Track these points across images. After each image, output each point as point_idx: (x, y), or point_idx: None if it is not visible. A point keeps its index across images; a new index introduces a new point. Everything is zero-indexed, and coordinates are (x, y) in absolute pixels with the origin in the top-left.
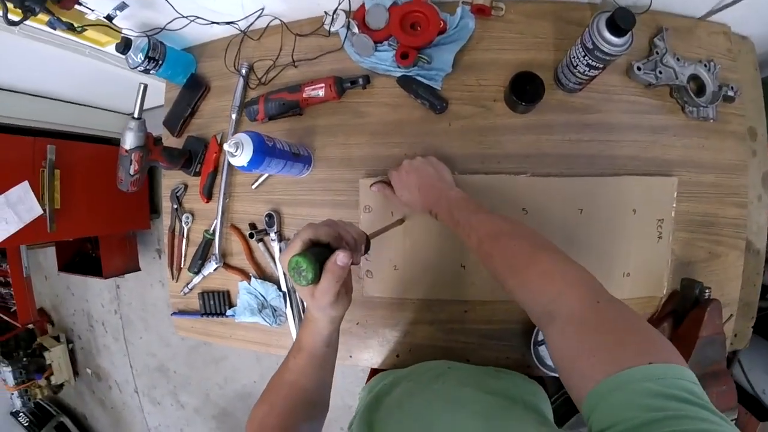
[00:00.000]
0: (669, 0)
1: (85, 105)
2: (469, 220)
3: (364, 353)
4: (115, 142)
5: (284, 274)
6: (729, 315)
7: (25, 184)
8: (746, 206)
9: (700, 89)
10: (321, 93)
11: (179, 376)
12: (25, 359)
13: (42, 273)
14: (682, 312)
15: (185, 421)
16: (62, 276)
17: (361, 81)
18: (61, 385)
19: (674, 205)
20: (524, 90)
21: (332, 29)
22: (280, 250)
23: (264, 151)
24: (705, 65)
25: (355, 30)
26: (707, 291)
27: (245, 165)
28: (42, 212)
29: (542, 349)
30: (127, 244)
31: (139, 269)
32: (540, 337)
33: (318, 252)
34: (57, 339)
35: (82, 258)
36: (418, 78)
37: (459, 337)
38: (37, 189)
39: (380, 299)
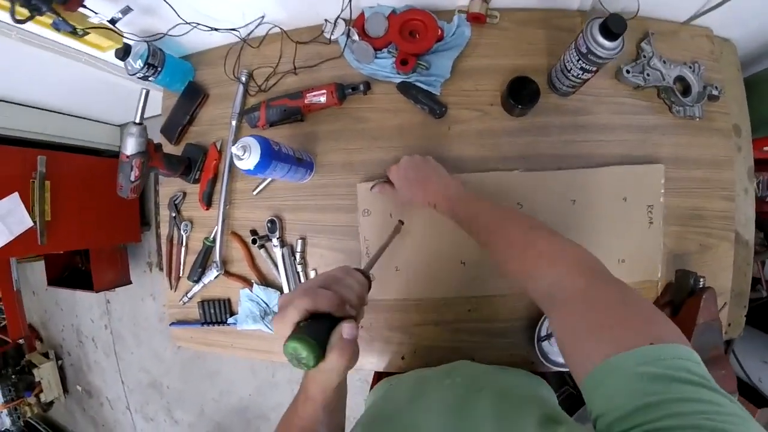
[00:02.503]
0: (654, 5)
1: (76, 116)
2: (468, 210)
3: (368, 357)
4: (106, 154)
5: (287, 281)
6: (723, 303)
7: (15, 195)
8: (734, 199)
9: (686, 90)
10: (323, 99)
11: (173, 392)
12: (13, 376)
13: (30, 288)
14: (679, 302)
15: None
16: (51, 291)
17: (362, 87)
18: (51, 403)
19: (662, 191)
20: (520, 94)
21: (332, 37)
22: (282, 257)
23: (271, 154)
24: (690, 67)
25: (355, 38)
26: (702, 280)
27: (252, 168)
28: (32, 224)
29: (546, 344)
30: (117, 257)
31: (130, 282)
32: (543, 333)
33: (318, 327)
34: (46, 356)
35: (72, 272)
36: (418, 84)
37: (464, 336)
38: (28, 201)
39: (384, 303)
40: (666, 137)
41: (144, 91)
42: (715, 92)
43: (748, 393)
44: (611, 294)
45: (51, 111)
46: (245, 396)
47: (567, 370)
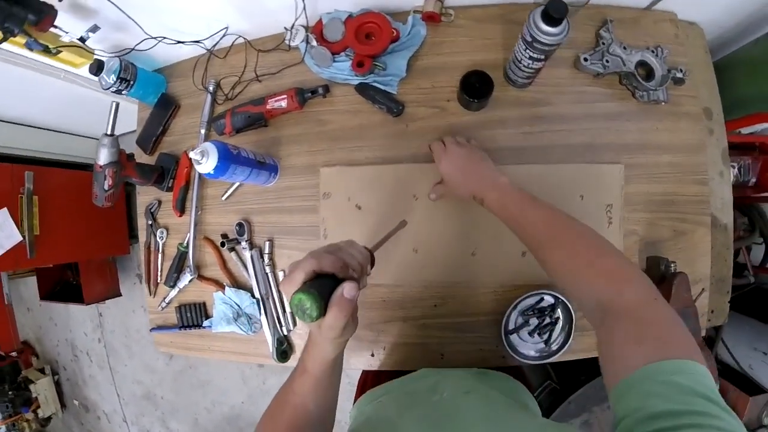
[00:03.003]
0: None
1: (61, 131)
2: (525, 211)
3: None
4: (91, 168)
5: (257, 282)
6: (701, 290)
7: (4, 211)
8: (707, 183)
9: (649, 74)
10: (284, 104)
11: (167, 402)
12: (10, 393)
13: (24, 305)
14: None
15: None
16: (44, 307)
17: (320, 90)
18: (49, 418)
19: (622, 191)
20: (475, 88)
21: (293, 44)
22: (252, 259)
23: (228, 158)
24: (653, 51)
25: (314, 43)
26: (673, 265)
27: (211, 172)
28: (21, 239)
29: (514, 337)
30: (107, 270)
31: (120, 294)
32: (510, 326)
33: (322, 284)
34: (42, 371)
35: (64, 286)
36: (375, 84)
37: (432, 332)
38: (16, 216)
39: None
40: (631, 123)
41: (114, 104)
42: (679, 75)
43: (738, 381)
44: (664, 314)
45: (37, 127)
46: (237, 404)
47: (537, 363)
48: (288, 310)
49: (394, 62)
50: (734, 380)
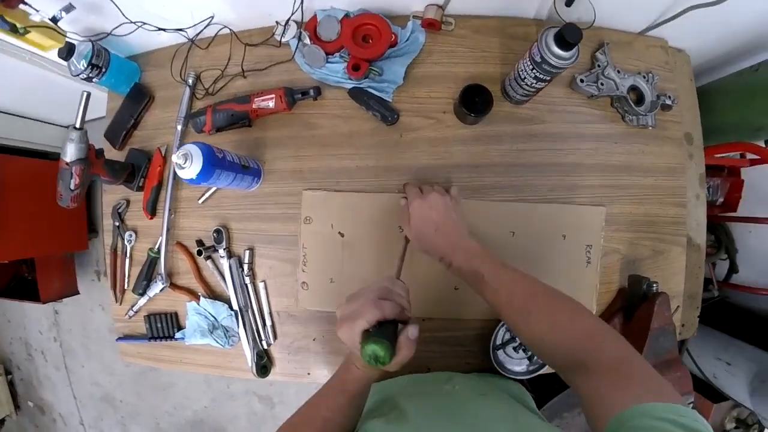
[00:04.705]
0: (610, 16)
1: (20, 116)
2: (498, 275)
3: (323, 369)
4: (52, 157)
5: (235, 293)
6: (676, 306)
7: None
8: (685, 205)
9: (639, 99)
10: (271, 104)
11: (127, 406)
12: None
13: None
14: (632, 307)
15: None
16: None
17: (312, 92)
18: (3, 421)
19: (602, 233)
20: (473, 102)
21: (283, 40)
22: (230, 268)
23: (214, 163)
24: (644, 77)
25: (307, 41)
26: (654, 285)
27: (194, 178)
28: None
29: (501, 353)
30: (64, 267)
31: (77, 292)
32: (498, 341)
33: (386, 330)
34: None
35: (18, 282)
36: (370, 90)
37: (419, 346)
38: None
39: (331, 315)
40: (618, 145)
41: (85, 94)
42: (668, 102)
43: (703, 389)
44: (646, 368)
45: None
46: (200, 409)
47: (522, 378)
48: (269, 323)
49: (391, 68)
50: (700, 389)
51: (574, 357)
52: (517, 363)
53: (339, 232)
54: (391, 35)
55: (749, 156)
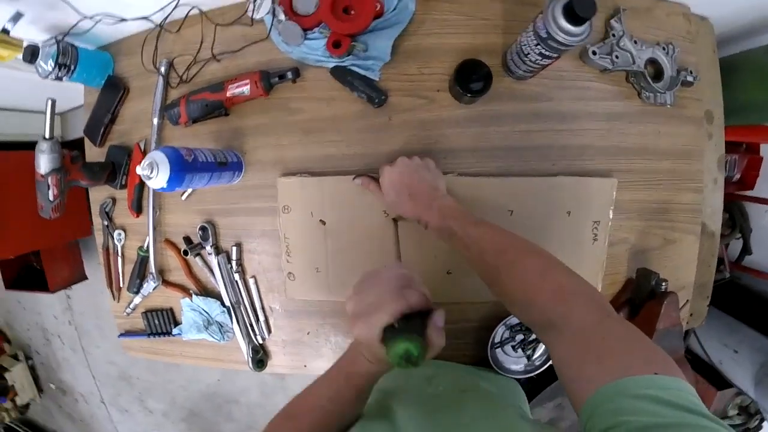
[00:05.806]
0: None
1: (11, 109)
2: (468, 231)
3: (318, 362)
4: None
5: (226, 290)
6: (685, 301)
7: None
8: (702, 191)
9: (658, 74)
10: (246, 90)
11: (143, 382)
12: None
13: None
14: (638, 302)
15: (156, 426)
16: (10, 291)
17: (290, 75)
18: (27, 405)
19: (612, 207)
20: (470, 79)
21: (256, 17)
22: (219, 265)
23: (183, 167)
24: (663, 48)
25: (282, 17)
26: (664, 283)
27: (165, 186)
28: None
29: (499, 352)
30: (70, 254)
31: (85, 278)
32: (497, 340)
33: (413, 323)
34: (15, 357)
35: (28, 271)
36: (354, 68)
37: None
38: None
39: (331, 306)
40: (633, 126)
41: (50, 102)
42: (689, 78)
43: (709, 375)
44: (621, 330)
45: None
46: (213, 382)
47: (520, 377)
48: (262, 318)
49: (377, 43)
50: (705, 374)
51: (545, 316)
52: (514, 362)
53: (320, 220)
54: (375, 4)
55: None
